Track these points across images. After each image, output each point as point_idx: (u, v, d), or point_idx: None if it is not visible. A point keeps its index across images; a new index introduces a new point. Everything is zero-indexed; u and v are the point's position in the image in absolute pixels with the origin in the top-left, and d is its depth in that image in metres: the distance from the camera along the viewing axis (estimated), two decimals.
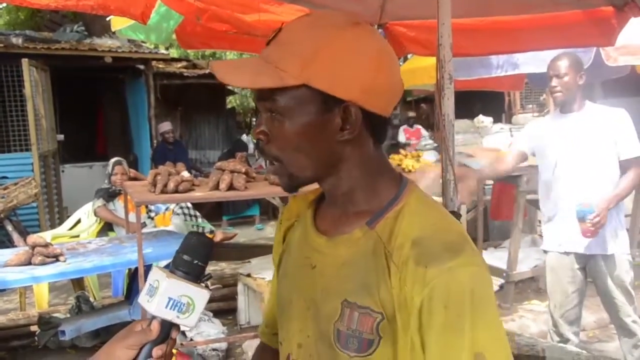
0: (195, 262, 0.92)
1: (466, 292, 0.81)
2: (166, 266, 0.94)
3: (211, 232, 5.56)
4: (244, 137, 10.62)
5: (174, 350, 0.95)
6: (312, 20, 0.90)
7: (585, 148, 3.03)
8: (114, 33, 5.41)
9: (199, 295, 0.92)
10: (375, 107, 0.88)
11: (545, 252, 3.30)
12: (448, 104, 2.01)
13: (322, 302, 0.93)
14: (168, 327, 0.92)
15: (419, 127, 10.20)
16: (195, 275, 0.92)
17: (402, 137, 9.86)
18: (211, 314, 4.31)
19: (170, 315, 0.90)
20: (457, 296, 0.81)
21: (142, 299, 0.92)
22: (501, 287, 4.84)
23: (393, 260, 0.86)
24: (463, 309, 0.80)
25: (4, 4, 7.48)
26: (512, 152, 3.41)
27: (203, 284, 0.93)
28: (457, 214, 1.79)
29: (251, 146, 9.84)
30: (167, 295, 0.89)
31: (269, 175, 3.64)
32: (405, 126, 10.20)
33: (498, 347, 0.83)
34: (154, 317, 0.91)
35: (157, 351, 0.91)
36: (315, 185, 0.98)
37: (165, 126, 8.28)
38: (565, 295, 3.16)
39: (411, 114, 10.42)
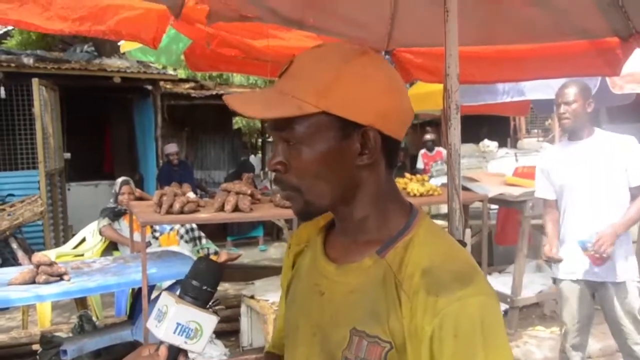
0: (204, 287, 0.93)
1: (476, 322, 0.82)
2: (169, 287, 0.95)
3: (215, 253, 5.55)
4: (252, 158, 10.64)
5: None
6: (322, 51, 0.93)
7: (595, 175, 3.03)
8: (123, 53, 5.49)
9: (207, 321, 0.92)
10: (391, 130, 0.91)
11: (555, 280, 3.27)
12: (454, 134, 2.02)
13: (330, 329, 0.94)
14: (176, 353, 0.92)
15: (440, 149, 9.08)
16: (204, 301, 0.93)
17: (420, 164, 9.13)
18: (214, 335, 4.29)
19: (178, 341, 0.91)
20: (467, 325, 0.82)
21: (151, 323, 0.92)
22: (505, 312, 4.80)
23: (403, 289, 0.87)
24: (474, 338, 0.82)
25: None
26: (547, 203, 3.31)
27: (211, 310, 0.94)
28: (463, 243, 1.79)
29: (258, 167, 9.83)
30: (175, 321, 0.90)
31: (275, 197, 3.65)
32: (423, 151, 9.30)
33: None
34: (161, 342, 0.92)
35: None
36: None
37: (171, 148, 8.29)
38: (574, 321, 3.16)
39: (428, 136, 9.24)
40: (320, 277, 0.99)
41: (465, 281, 0.85)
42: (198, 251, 5.34)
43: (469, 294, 0.83)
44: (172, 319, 0.90)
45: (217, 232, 7.75)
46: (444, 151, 8.93)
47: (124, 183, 5.30)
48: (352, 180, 0.92)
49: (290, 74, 0.90)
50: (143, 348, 0.94)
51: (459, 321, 0.82)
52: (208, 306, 0.94)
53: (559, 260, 3.14)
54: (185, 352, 0.93)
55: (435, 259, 0.88)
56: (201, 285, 0.93)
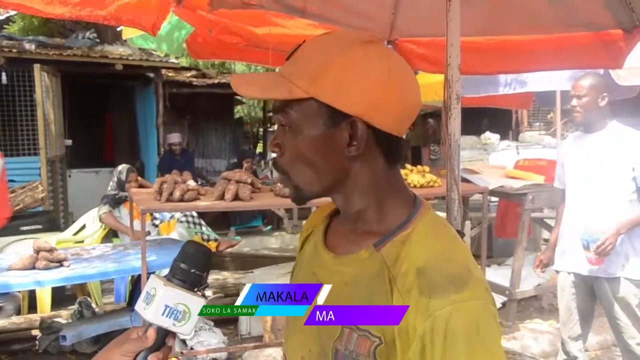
0: (193, 270, 0.93)
1: (471, 327, 0.81)
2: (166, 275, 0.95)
3: (215, 240, 5.56)
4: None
5: (173, 358, 0.96)
6: (327, 38, 0.92)
7: (602, 170, 3.01)
8: (125, 41, 5.47)
9: (195, 304, 0.92)
10: (384, 124, 0.88)
11: (556, 271, 3.30)
12: (455, 124, 2.02)
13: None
14: (164, 335, 0.93)
15: None
16: (192, 284, 0.93)
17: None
18: (212, 324, 4.31)
19: (167, 323, 0.91)
20: (459, 330, 0.80)
21: (139, 306, 0.92)
22: (503, 304, 4.82)
23: (397, 285, 0.86)
24: (467, 343, 0.80)
25: None
26: (560, 194, 3.31)
27: (200, 293, 0.94)
28: (461, 233, 1.79)
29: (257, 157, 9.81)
30: (163, 303, 0.90)
31: (275, 186, 3.65)
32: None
33: None
34: (150, 325, 0.92)
35: (152, 358, 0.91)
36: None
37: (174, 137, 8.25)
38: (569, 313, 3.18)
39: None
40: (318, 266, 0.99)
41: (461, 284, 0.83)
42: (196, 233, 5.34)
43: (464, 298, 0.82)
44: (160, 301, 0.90)
45: (220, 221, 7.75)
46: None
47: (130, 170, 5.28)
48: (341, 170, 0.91)
49: (294, 58, 0.91)
50: (132, 330, 0.94)
51: (450, 325, 0.80)
52: (196, 289, 0.94)
53: (547, 266, 3.32)
54: (173, 334, 0.94)
55: (431, 258, 0.86)
56: (189, 268, 0.93)
